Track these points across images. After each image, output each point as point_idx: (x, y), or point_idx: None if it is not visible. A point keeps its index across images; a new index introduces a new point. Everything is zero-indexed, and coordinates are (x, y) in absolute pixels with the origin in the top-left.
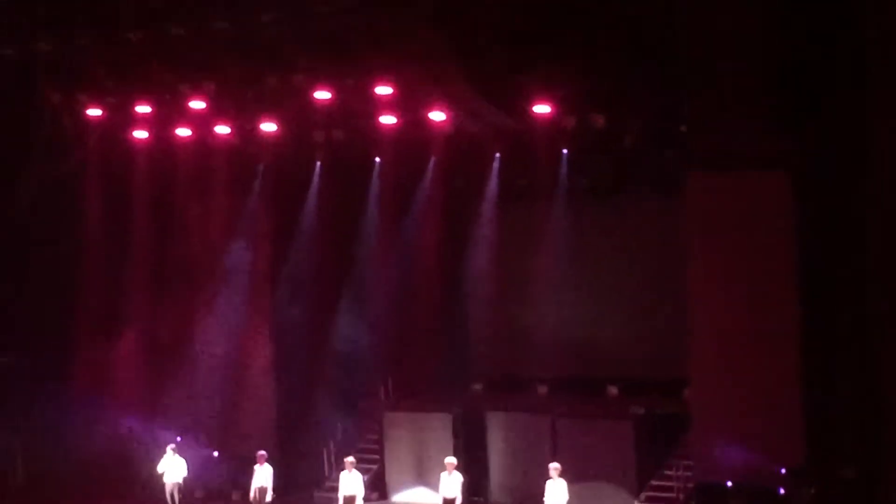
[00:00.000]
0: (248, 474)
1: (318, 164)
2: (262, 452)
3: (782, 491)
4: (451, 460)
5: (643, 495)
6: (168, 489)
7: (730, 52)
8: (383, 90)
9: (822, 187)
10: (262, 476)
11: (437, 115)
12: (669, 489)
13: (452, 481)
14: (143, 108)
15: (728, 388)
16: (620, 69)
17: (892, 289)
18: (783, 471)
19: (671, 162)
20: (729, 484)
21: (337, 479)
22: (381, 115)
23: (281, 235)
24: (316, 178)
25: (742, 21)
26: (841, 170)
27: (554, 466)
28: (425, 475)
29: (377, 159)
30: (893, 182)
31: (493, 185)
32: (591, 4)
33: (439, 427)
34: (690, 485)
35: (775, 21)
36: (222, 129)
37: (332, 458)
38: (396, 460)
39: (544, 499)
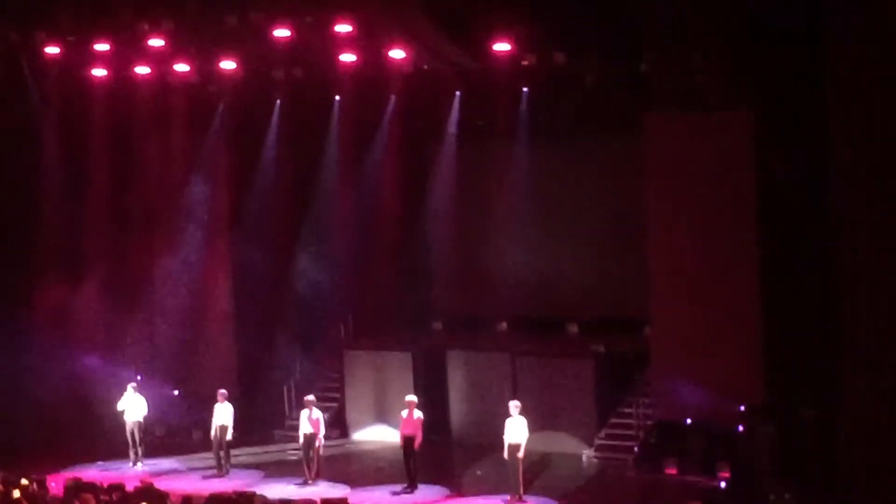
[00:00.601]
0: (209, 413)
1: (278, 102)
2: (223, 391)
3: (741, 429)
4: (411, 398)
5: (602, 433)
6: (128, 428)
7: None
8: (343, 28)
9: (783, 126)
10: (223, 414)
11: (397, 54)
12: (629, 427)
13: (413, 420)
14: (101, 47)
15: (688, 327)
16: (581, 7)
17: (854, 228)
18: (742, 409)
19: (632, 102)
20: (688, 422)
21: (297, 418)
22: (340, 53)
23: (240, 175)
24: (275, 117)
25: None
26: (803, 108)
27: (514, 404)
28: (385, 413)
29: (337, 98)
30: (854, 119)
31: (453, 123)
32: None
33: (399, 365)
34: (650, 422)
35: None
36: (181, 68)
37: (293, 397)
38: (357, 399)
39: (504, 436)
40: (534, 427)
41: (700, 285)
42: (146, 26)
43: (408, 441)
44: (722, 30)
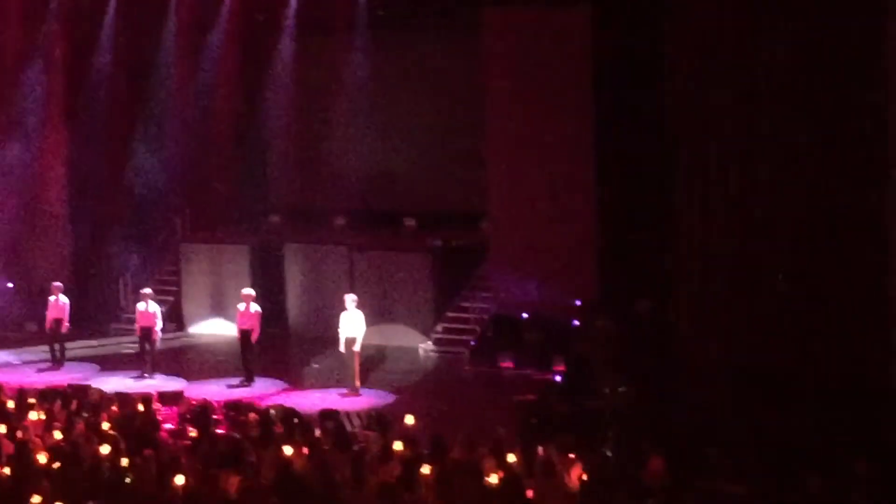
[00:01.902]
0: (43, 306)
1: None
2: (58, 284)
3: (577, 323)
4: (248, 292)
5: (439, 327)
6: None
7: None
8: None
9: (620, 21)
10: (57, 307)
11: None
12: (466, 321)
13: (250, 313)
14: None
15: (524, 223)
16: None
17: (689, 125)
18: (578, 303)
19: None
20: (524, 316)
21: (133, 311)
22: None
23: (77, 67)
24: (112, 9)
25: None
26: (639, 3)
27: (350, 297)
28: (222, 307)
29: None
30: (688, 17)
31: (290, 17)
32: None
33: (236, 259)
34: (486, 317)
35: None
36: None
37: (129, 291)
38: (193, 292)
39: (340, 330)
40: (371, 321)
41: (537, 181)
42: None
43: (245, 334)
44: None
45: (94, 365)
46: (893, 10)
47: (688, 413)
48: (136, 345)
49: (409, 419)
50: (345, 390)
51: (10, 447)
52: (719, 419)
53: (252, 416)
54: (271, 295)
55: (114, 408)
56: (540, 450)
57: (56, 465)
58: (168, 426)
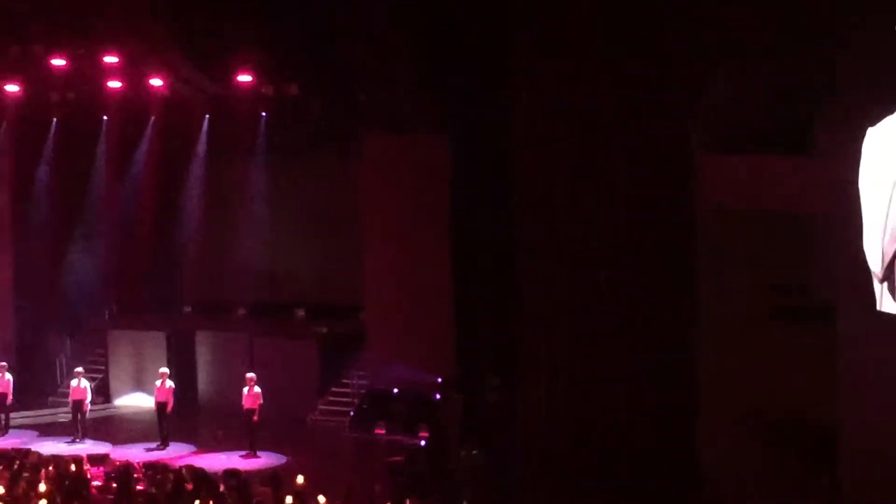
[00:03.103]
0: None
1: (55, 120)
2: (3, 363)
3: (437, 397)
4: (164, 370)
5: (325, 400)
6: None
7: (398, 33)
8: (110, 59)
9: (472, 147)
10: (3, 382)
11: (156, 82)
12: (346, 395)
13: (165, 388)
14: None
15: (394, 313)
16: (310, 46)
17: (529, 229)
18: (439, 380)
19: (353, 125)
20: (395, 391)
21: (68, 386)
22: (108, 80)
23: (23, 183)
24: (52, 133)
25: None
26: (488, 131)
27: (250, 376)
28: (143, 383)
29: (105, 118)
30: (528, 142)
31: (203, 142)
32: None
33: (155, 343)
34: (363, 391)
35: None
36: None
37: (64, 369)
38: (118, 370)
39: (242, 402)
40: (266, 395)
41: (404, 278)
42: None
43: (161, 406)
44: (425, 63)
45: (33, 431)
46: None
47: (528, 470)
48: (70, 414)
49: (300, 478)
50: (245, 452)
51: None
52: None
53: (167, 475)
54: (184, 373)
55: (50, 468)
56: (408, 502)
57: None
58: (96, 483)
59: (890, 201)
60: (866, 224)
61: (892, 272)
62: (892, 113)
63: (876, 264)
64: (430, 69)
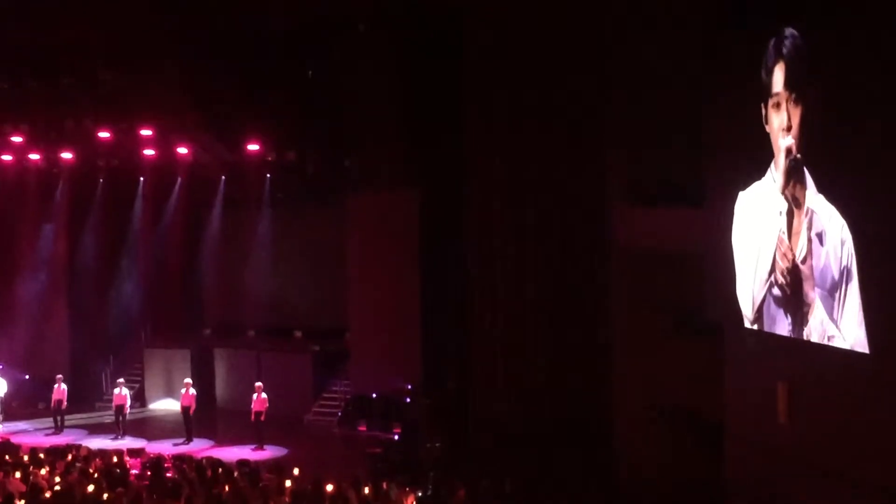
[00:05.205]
0: (49, 391)
1: (101, 181)
2: (60, 375)
3: (408, 400)
4: (188, 380)
5: (317, 403)
6: None
7: (378, 111)
8: (146, 132)
9: (437, 201)
10: (59, 391)
11: (182, 150)
12: (335, 399)
13: (189, 395)
14: None
15: (373, 334)
16: (305, 123)
17: (476, 266)
18: (409, 386)
19: (340, 184)
20: (374, 395)
21: (112, 394)
22: (143, 149)
23: (75, 231)
24: (99, 192)
25: (385, 85)
26: (449, 189)
27: (258, 385)
28: (172, 391)
29: (141, 179)
30: (481, 199)
31: (220, 197)
32: (284, 87)
33: (181, 358)
34: (348, 396)
35: (406, 80)
36: (34, 157)
37: (109, 380)
38: (152, 381)
39: (251, 406)
40: (271, 400)
41: (381, 307)
42: (9, 127)
43: (186, 409)
44: (399, 133)
45: (84, 430)
46: None
47: (481, 458)
48: (113, 416)
49: (296, 470)
50: (254, 446)
51: (24, 487)
52: (505, 461)
53: (191, 464)
54: (205, 382)
55: (97, 460)
56: (384, 485)
57: (57, 500)
58: (134, 472)
59: (757, 259)
60: (739, 274)
61: (761, 314)
62: (760, 178)
63: (748, 309)
64: (404, 139)
